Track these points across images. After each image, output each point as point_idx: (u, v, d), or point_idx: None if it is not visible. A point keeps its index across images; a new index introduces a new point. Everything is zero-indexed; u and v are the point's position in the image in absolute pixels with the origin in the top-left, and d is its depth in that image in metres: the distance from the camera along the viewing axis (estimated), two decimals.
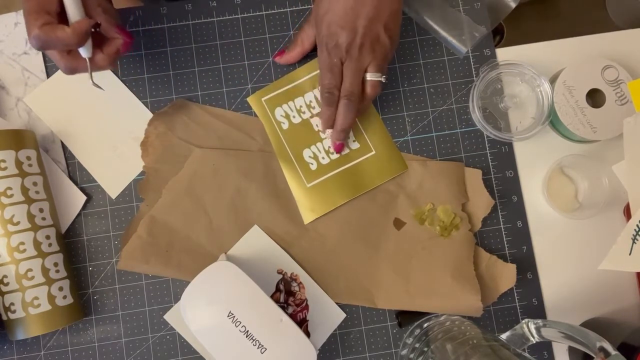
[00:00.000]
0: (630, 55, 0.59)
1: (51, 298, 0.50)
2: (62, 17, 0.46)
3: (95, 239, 0.56)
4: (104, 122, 0.57)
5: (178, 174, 0.56)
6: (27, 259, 0.50)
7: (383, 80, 0.52)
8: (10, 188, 0.50)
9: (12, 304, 0.50)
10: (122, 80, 0.58)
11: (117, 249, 0.56)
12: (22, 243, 0.50)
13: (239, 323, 0.49)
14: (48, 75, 0.58)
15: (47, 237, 0.52)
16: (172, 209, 0.55)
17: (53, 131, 0.57)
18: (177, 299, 0.55)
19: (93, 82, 0.49)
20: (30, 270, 0.50)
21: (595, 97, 0.56)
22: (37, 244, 0.51)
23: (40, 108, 0.57)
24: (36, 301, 0.50)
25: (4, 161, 0.50)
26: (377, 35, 0.49)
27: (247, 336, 0.48)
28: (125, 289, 0.56)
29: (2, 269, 0.50)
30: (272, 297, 0.54)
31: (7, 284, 0.50)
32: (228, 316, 0.49)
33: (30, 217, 0.51)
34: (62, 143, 0.57)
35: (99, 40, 0.48)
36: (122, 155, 0.57)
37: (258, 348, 0.48)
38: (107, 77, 0.58)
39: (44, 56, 0.58)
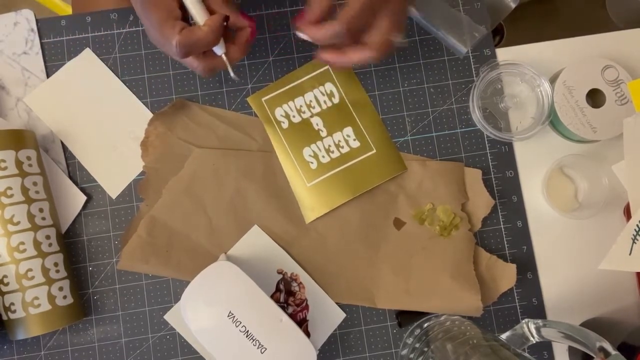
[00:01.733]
0: (630, 55, 0.59)
1: (51, 298, 0.50)
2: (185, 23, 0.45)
3: (95, 239, 0.56)
4: (104, 122, 0.57)
5: (178, 174, 0.56)
6: (27, 259, 0.50)
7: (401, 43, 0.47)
8: (10, 188, 0.50)
9: (12, 303, 0.50)
10: (122, 81, 0.58)
11: (117, 249, 0.56)
12: (22, 243, 0.50)
13: (239, 323, 0.49)
14: (48, 75, 0.58)
15: (47, 237, 0.52)
16: (172, 209, 0.55)
17: (53, 131, 0.57)
18: (177, 299, 0.55)
19: (233, 75, 0.49)
20: (30, 270, 0.50)
21: (595, 97, 0.56)
22: (37, 244, 0.51)
23: (40, 108, 0.57)
24: (36, 301, 0.50)
25: (4, 161, 0.50)
26: None
27: (247, 336, 0.48)
28: (125, 289, 0.56)
29: (2, 269, 0.50)
30: (272, 297, 0.54)
31: (7, 284, 0.50)
32: (228, 316, 0.49)
33: (30, 217, 0.51)
34: (62, 143, 0.57)
35: (224, 33, 0.47)
36: (122, 155, 0.57)
37: (258, 348, 0.48)
38: (107, 77, 0.58)
39: (44, 56, 0.58)
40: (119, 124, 0.57)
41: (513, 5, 0.58)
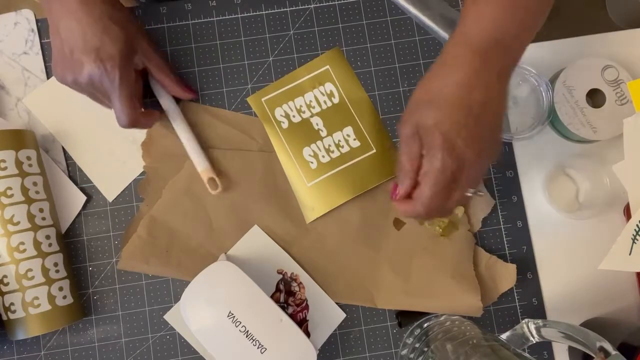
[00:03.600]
0: (630, 55, 0.59)
1: (51, 298, 0.50)
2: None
3: (95, 239, 0.56)
4: (102, 124, 0.57)
5: (178, 174, 0.56)
6: (27, 259, 0.50)
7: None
8: (10, 188, 0.50)
9: (12, 303, 0.50)
10: None
11: (117, 249, 0.56)
12: (22, 243, 0.50)
13: (239, 323, 0.49)
14: (48, 75, 0.58)
15: (47, 237, 0.52)
16: (172, 209, 0.55)
17: (51, 133, 0.57)
18: (177, 299, 0.55)
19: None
20: (30, 270, 0.50)
21: (595, 97, 0.56)
22: (37, 244, 0.51)
23: (39, 110, 0.57)
24: (36, 301, 0.50)
25: (4, 161, 0.50)
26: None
27: (247, 336, 0.48)
28: (125, 289, 0.56)
29: (2, 269, 0.50)
30: (272, 297, 0.54)
31: (7, 284, 0.50)
32: (228, 316, 0.49)
33: (31, 217, 0.51)
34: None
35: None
36: (120, 158, 0.57)
37: (258, 348, 0.48)
38: None
39: (44, 56, 0.58)
40: (117, 126, 0.57)
41: None
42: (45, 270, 0.51)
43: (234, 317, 0.49)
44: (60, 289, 0.52)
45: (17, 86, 0.58)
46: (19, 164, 0.51)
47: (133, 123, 0.49)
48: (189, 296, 0.50)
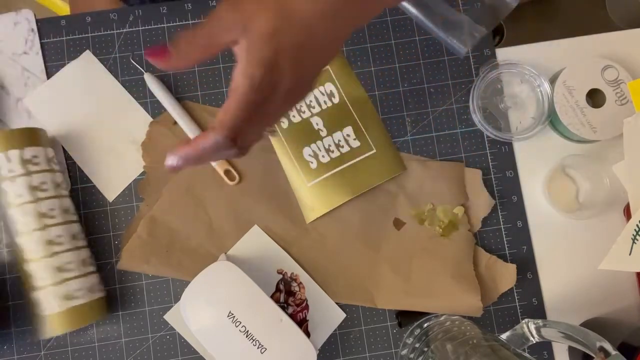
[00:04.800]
0: (630, 55, 0.59)
1: (89, 291, 0.51)
2: None
3: (95, 239, 0.56)
4: (102, 124, 0.57)
5: (178, 174, 0.56)
6: (65, 252, 0.50)
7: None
8: (44, 183, 0.51)
9: (47, 299, 0.49)
10: (121, 80, 0.58)
11: (117, 249, 0.56)
12: (60, 236, 0.51)
13: (239, 323, 0.49)
14: (48, 75, 0.58)
15: (78, 232, 0.53)
16: (172, 209, 0.55)
17: (51, 133, 0.57)
18: (177, 299, 0.55)
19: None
20: (69, 262, 0.50)
21: (595, 97, 0.56)
22: (72, 237, 0.52)
23: (39, 110, 0.57)
24: (77, 293, 0.50)
25: (36, 157, 0.51)
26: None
27: (247, 336, 0.48)
28: (125, 289, 0.56)
29: (39, 264, 0.49)
30: (272, 297, 0.54)
31: (43, 279, 0.49)
32: (228, 316, 0.49)
33: (65, 211, 0.52)
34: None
35: None
36: (120, 158, 0.57)
37: (258, 348, 0.48)
38: (107, 80, 0.58)
39: (44, 56, 0.58)
40: (117, 127, 0.57)
41: (513, 5, 0.58)
42: (82, 263, 0.52)
43: (234, 317, 0.49)
44: (93, 282, 0.52)
45: (17, 86, 0.58)
46: (48, 160, 0.52)
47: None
48: (189, 296, 0.50)
